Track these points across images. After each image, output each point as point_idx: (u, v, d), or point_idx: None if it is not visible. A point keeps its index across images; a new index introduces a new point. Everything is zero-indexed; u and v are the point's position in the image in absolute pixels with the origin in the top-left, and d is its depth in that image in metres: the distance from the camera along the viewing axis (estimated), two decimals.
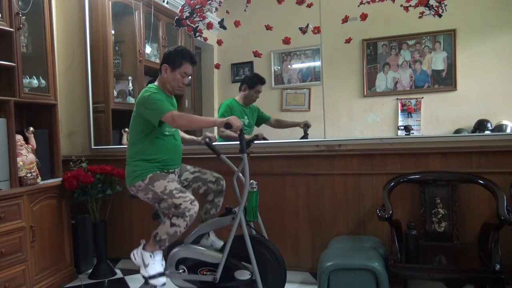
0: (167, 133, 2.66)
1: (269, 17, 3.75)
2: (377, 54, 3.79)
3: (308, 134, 3.44)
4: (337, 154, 3.05)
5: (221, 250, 2.65)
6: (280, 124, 3.66)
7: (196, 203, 2.48)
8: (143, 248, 2.58)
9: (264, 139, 3.37)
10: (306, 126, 3.46)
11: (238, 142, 2.52)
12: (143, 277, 2.56)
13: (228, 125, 2.42)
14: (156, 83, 2.70)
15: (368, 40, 3.78)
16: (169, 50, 2.67)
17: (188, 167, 2.81)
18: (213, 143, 2.93)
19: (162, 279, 2.54)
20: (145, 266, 2.53)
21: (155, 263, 2.52)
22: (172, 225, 2.45)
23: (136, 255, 2.60)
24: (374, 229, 2.96)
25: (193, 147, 3.25)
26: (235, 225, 2.50)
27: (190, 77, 2.76)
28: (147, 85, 2.75)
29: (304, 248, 3.12)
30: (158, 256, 2.55)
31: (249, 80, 3.56)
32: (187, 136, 3.07)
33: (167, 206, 2.50)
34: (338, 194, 3.05)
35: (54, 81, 3.27)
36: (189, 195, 2.50)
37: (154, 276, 2.51)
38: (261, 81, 3.58)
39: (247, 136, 3.09)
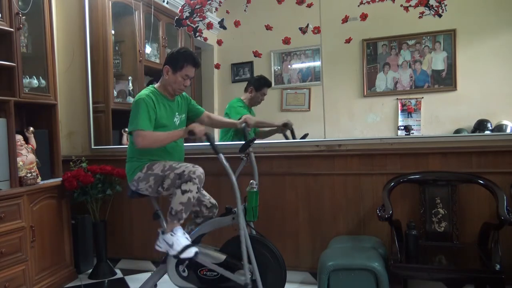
0: None
1: (269, 17, 3.75)
2: (377, 54, 3.79)
3: (307, 134, 3.39)
4: (337, 154, 3.05)
5: (221, 250, 2.66)
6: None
7: (198, 166, 2.48)
8: (162, 234, 2.54)
9: (292, 130, 3.25)
10: (286, 126, 3.25)
11: (238, 143, 2.53)
12: (174, 257, 2.49)
13: (191, 133, 2.47)
14: (157, 84, 2.69)
15: (368, 40, 3.78)
16: (172, 51, 2.65)
17: None
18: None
19: (192, 249, 2.46)
20: (171, 246, 2.46)
21: (179, 239, 2.46)
22: (184, 192, 2.42)
23: (160, 243, 2.55)
24: (374, 229, 2.96)
25: (194, 146, 3.25)
26: (241, 223, 2.46)
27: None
28: (147, 85, 2.75)
29: (304, 248, 3.12)
30: (179, 232, 2.49)
31: (255, 82, 3.52)
32: (225, 120, 3.09)
33: (172, 181, 2.48)
34: (338, 194, 3.05)
35: (54, 81, 3.27)
36: (189, 163, 2.50)
37: (182, 251, 2.44)
38: (268, 84, 3.56)
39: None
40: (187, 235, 2.52)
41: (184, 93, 2.79)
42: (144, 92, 2.61)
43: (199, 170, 2.46)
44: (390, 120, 3.76)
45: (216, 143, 2.54)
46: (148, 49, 4.02)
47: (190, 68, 2.61)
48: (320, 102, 3.41)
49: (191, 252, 2.45)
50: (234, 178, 2.47)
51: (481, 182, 2.62)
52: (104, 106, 3.62)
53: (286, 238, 3.15)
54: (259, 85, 3.49)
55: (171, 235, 2.47)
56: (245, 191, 2.59)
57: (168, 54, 2.68)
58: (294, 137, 3.26)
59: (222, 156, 2.48)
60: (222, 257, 2.57)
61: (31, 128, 3.08)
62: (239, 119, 3.01)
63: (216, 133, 3.85)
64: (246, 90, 3.51)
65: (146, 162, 2.59)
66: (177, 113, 2.71)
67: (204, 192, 2.79)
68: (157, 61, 4.07)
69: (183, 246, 2.45)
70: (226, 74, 4.17)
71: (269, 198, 3.14)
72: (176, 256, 2.47)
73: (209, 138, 2.50)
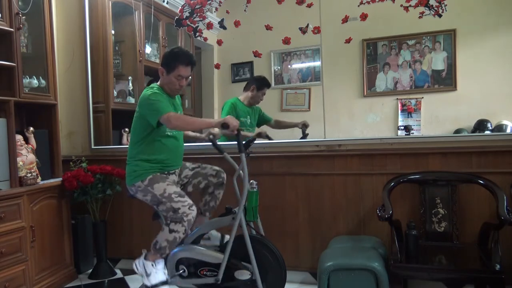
0: (169, 133, 2.66)
1: (269, 17, 3.75)
2: (377, 54, 3.79)
3: (307, 134, 3.43)
4: (337, 154, 3.05)
5: (222, 250, 2.66)
6: (279, 125, 3.68)
7: (194, 208, 2.49)
8: (145, 258, 2.58)
9: (268, 137, 3.41)
10: (304, 126, 3.46)
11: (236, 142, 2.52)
12: (146, 287, 2.55)
13: (225, 125, 2.41)
14: (158, 83, 2.70)
15: (368, 40, 3.77)
16: (165, 52, 2.65)
17: (188, 164, 2.81)
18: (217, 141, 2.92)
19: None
20: (148, 275, 2.53)
21: (157, 272, 2.52)
22: (171, 231, 2.46)
23: (138, 265, 2.60)
24: (374, 229, 2.96)
25: (194, 147, 3.26)
26: (235, 225, 2.50)
27: (190, 77, 2.73)
28: (147, 85, 2.75)
29: (304, 248, 3.12)
30: (160, 265, 2.54)
31: (258, 81, 3.58)
32: (191, 133, 3.07)
33: (166, 210, 2.51)
34: (338, 194, 3.05)
35: (54, 81, 3.27)
36: (187, 200, 2.50)
37: (156, 285, 2.51)
38: (268, 84, 3.65)
39: (247, 133, 3.11)
40: (166, 271, 2.56)
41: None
42: (151, 86, 2.64)
43: (192, 214, 2.47)
44: (390, 120, 3.76)
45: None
46: (148, 49, 4.02)
47: (182, 68, 2.57)
48: (320, 102, 3.41)
49: None
50: (246, 179, 2.47)
51: (481, 182, 2.62)
52: (104, 106, 3.62)
53: (286, 238, 3.15)
54: (261, 84, 3.55)
55: (152, 265, 2.52)
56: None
57: (163, 54, 2.68)
58: (305, 137, 3.40)
59: (244, 156, 2.48)
60: (221, 256, 2.57)
61: (31, 128, 3.08)
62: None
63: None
64: (246, 89, 3.53)
65: (149, 172, 2.58)
66: (179, 112, 2.72)
67: (204, 164, 2.79)
68: (157, 61, 4.06)
69: (158, 281, 2.50)
70: (226, 74, 4.17)
71: (269, 198, 3.14)
72: (147, 287, 2.53)
73: (240, 134, 2.48)
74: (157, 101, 2.50)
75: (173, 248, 2.54)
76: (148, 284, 2.52)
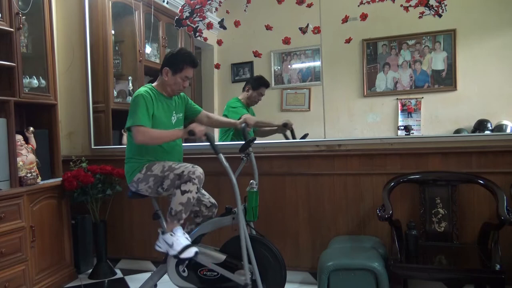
0: None
1: (269, 17, 3.75)
2: (377, 54, 3.79)
3: (307, 134, 3.39)
4: (337, 154, 3.04)
5: (221, 250, 2.66)
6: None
7: (197, 166, 2.48)
8: (163, 234, 2.53)
9: (292, 131, 3.26)
10: (286, 126, 3.25)
11: (238, 143, 2.53)
12: (174, 257, 2.48)
13: (191, 133, 2.47)
14: (155, 83, 2.68)
15: (368, 40, 3.78)
16: (171, 53, 2.63)
17: None
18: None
19: (192, 249, 2.45)
20: (171, 246, 2.46)
21: (178, 239, 2.46)
22: (183, 192, 2.42)
23: (160, 243, 2.54)
24: (374, 229, 2.96)
25: (194, 147, 3.25)
26: (241, 226, 2.46)
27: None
28: None
29: (304, 248, 3.12)
30: (179, 232, 2.48)
31: (253, 81, 3.52)
32: (225, 120, 3.09)
33: (171, 182, 2.48)
34: (338, 194, 3.05)
35: (54, 81, 3.27)
36: (187, 163, 2.50)
37: (182, 251, 2.44)
38: (265, 84, 3.55)
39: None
40: (187, 235, 2.52)
41: (181, 93, 2.79)
42: (143, 88, 2.61)
43: (199, 170, 2.46)
44: (390, 120, 3.76)
45: (216, 143, 2.54)
46: (148, 49, 4.02)
47: (189, 69, 2.61)
48: (320, 102, 3.41)
49: (191, 252, 2.44)
50: (234, 178, 2.47)
51: (481, 182, 2.62)
52: (104, 106, 3.62)
53: (286, 238, 3.15)
54: (256, 84, 3.49)
55: (171, 235, 2.47)
56: (245, 191, 2.59)
57: (167, 55, 2.66)
58: (294, 137, 3.26)
59: (222, 156, 2.48)
60: (222, 257, 2.58)
61: (31, 128, 3.08)
62: (239, 119, 3.01)
63: (216, 133, 3.85)
64: (243, 89, 3.52)
65: (145, 162, 2.58)
66: (174, 112, 2.70)
67: (204, 191, 2.79)
68: (157, 61, 4.07)
69: (183, 246, 2.44)
70: (226, 74, 4.17)
71: (269, 198, 3.14)
72: (176, 256, 2.46)
73: (209, 138, 2.50)
74: (140, 108, 2.49)
75: (188, 210, 2.47)
76: (174, 252, 2.45)
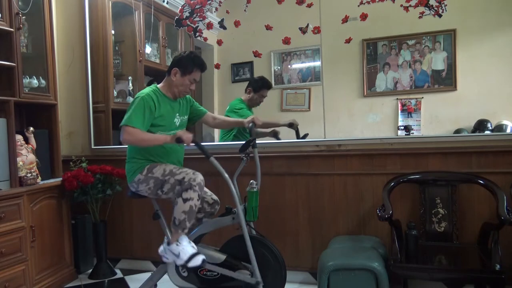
0: (166, 134, 2.65)
1: (269, 17, 3.75)
2: (377, 54, 3.79)
3: (307, 134, 3.39)
4: (337, 154, 3.04)
5: (221, 250, 2.66)
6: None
7: (198, 173, 2.48)
8: (168, 244, 2.53)
9: (297, 131, 3.26)
10: (292, 126, 3.26)
11: (238, 143, 2.53)
12: (182, 266, 2.49)
13: (179, 140, 2.47)
14: (160, 84, 2.69)
15: (368, 40, 3.78)
16: (181, 55, 2.65)
17: None
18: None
19: (199, 257, 2.45)
20: (177, 256, 2.46)
21: (184, 248, 2.46)
22: (185, 200, 2.43)
23: (167, 254, 2.54)
24: (374, 229, 2.96)
25: (193, 147, 3.24)
26: (243, 226, 2.47)
27: None
28: (147, 85, 2.74)
29: (304, 248, 3.12)
30: (185, 241, 2.49)
31: (254, 83, 3.51)
32: (231, 120, 3.08)
33: (171, 186, 2.49)
34: (338, 194, 3.05)
35: (54, 81, 3.27)
36: (188, 169, 2.50)
37: (189, 259, 2.44)
38: (267, 85, 3.54)
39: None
40: (192, 243, 2.51)
41: (187, 95, 2.80)
42: (146, 90, 2.61)
43: (199, 177, 2.46)
44: (390, 120, 3.76)
45: (204, 143, 2.54)
46: (148, 49, 4.02)
47: (198, 73, 2.65)
48: (320, 102, 3.41)
49: (198, 260, 2.44)
50: (229, 179, 2.48)
51: (481, 182, 2.62)
52: (104, 106, 3.62)
53: (286, 238, 3.15)
54: (257, 86, 3.48)
55: (177, 245, 2.48)
56: (245, 191, 2.59)
57: (177, 56, 2.67)
58: (298, 137, 3.27)
59: (213, 159, 2.49)
60: (222, 257, 2.57)
61: (31, 128, 3.08)
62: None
63: (216, 133, 3.85)
64: (245, 90, 3.51)
65: (146, 163, 2.58)
66: (177, 114, 2.71)
67: (206, 189, 2.79)
68: (157, 61, 4.07)
69: (189, 255, 2.44)
70: (226, 74, 4.17)
71: (269, 198, 3.14)
72: (184, 266, 2.47)
73: (198, 144, 2.51)
74: (136, 110, 2.49)
75: (192, 219, 2.48)
76: (181, 262, 2.45)
